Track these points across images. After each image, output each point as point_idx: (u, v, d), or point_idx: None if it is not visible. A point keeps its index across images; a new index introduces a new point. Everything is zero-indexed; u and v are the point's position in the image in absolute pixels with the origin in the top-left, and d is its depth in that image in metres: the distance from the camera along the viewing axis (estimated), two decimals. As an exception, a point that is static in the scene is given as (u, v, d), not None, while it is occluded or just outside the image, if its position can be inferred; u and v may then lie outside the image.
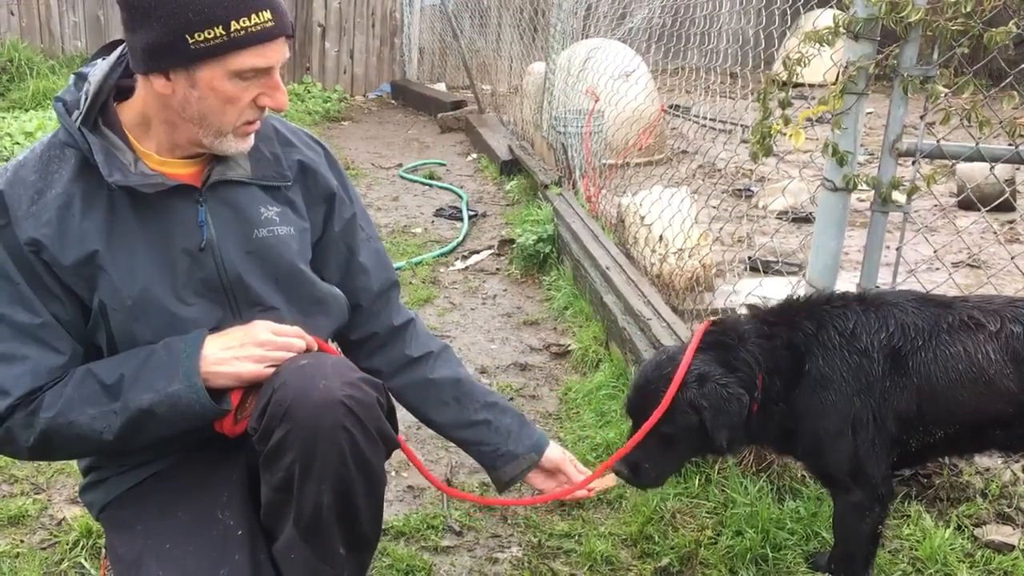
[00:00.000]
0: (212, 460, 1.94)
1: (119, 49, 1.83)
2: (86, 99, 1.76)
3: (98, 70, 1.80)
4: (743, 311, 2.39)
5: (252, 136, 1.85)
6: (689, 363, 2.18)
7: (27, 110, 8.10)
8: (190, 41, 1.66)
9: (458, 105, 9.60)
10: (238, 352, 1.78)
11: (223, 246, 1.86)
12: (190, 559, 1.78)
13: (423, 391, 2.19)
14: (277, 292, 1.93)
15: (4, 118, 7.65)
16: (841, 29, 2.60)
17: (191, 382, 1.74)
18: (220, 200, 1.87)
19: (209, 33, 1.65)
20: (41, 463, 3.03)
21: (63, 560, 2.56)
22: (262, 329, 1.82)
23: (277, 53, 1.74)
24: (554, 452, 2.26)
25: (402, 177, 7.35)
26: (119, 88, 1.82)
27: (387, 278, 2.21)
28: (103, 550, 2.57)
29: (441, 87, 10.85)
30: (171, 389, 1.74)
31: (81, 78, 1.82)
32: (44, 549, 2.62)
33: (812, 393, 2.21)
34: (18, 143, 7.07)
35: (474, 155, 8.10)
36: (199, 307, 1.85)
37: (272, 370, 1.79)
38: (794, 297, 2.40)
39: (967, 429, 2.20)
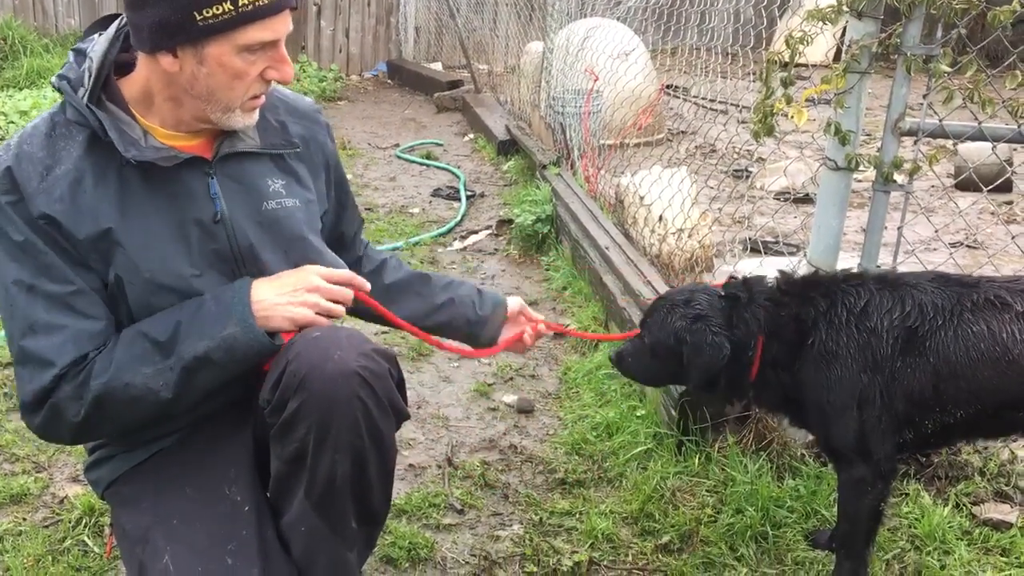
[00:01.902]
0: (219, 437, 1.94)
1: (116, 23, 1.82)
2: (89, 76, 1.75)
3: (98, 46, 1.78)
4: (775, 274, 2.43)
5: (258, 111, 1.85)
6: (697, 300, 2.33)
7: (21, 89, 8.05)
8: (198, 18, 1.65)
9: (455, 85, 9.56)
10: (292, 297, 1.79)
11: (234, 218, 1.86)
12: (198, 535, 1.79)
13: (387, 296, 2.24)
14: (286, 263, 1.93)
15: (-2, 97, 7.60)
16: (844, 7, 2.59)
17: (246, 323, 1.75)
18: (229, 172, 1.87)
19: (217, 9, 1.65)
20: (41, 441, 3.02)
21: (66, 538, 2.56)
22: (313, 275, 1.83)
23: (283, 25, 1.74)
24: (513, 302, 2.41)
25: (399, 157, 7.33)
26: (117, 63, 1.81)
27: (359, 221, 2.34)
28: (106, 528, 2.58)
29: (437, 66, 10.80)
30: (226, 333, 1.74)
31: (80, 54, 1.80)
32: (47, 527, 2.63)
33: (816, 367, 2.24)
34: (12, 122, 7.03)
35: (471, 135, 8.07)
36: (211, 278, 1.85)
37: (324, 320, 1.81)
38: (818, 272, 2.44)
39: (989, 410, 2.18)
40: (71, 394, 1.74)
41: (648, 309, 2.48)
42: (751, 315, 2.29)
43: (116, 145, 1.73)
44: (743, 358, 2.28)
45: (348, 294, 1.87)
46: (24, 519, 2.66)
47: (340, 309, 1.85)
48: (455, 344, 2.31)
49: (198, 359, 1.75)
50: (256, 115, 1.85)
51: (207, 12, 1.65)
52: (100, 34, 1.83)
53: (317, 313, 1.80)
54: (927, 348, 2.16)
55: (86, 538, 2.56)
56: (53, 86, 1.81)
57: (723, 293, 2.35)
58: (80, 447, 2.85)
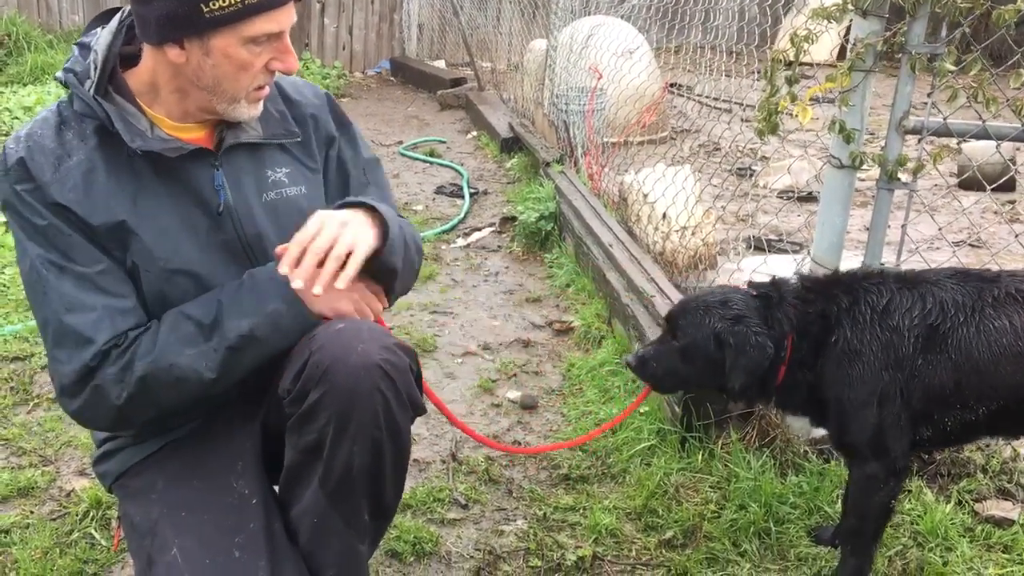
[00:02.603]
0: (226, 430, 1.95)
1: (118, 16, 1.84)
2: (95, 68, 1.76)
3: (102, 39, 1.80)
4: (793, 277, 2.43)
5: (263, 101, 1.87)
6: (734, 300, 2.29)
7: (25, 84, 8.07)
8: (205, 10, 1.67)
9: (458, 82, 9.57)
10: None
11: (240, 208, 1.88)
12: (205, 527, 1.80)
13: None
14: None
15: (3, 93, 7.62)
16: (849, 5, 2.60)
17: (290, 299, 1.78)
18: (234, 164, 1.89)
19: (224, 1, 1.66)
20: (48, 435, 3.05)
21: (73, 531, 2.58)
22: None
23: (288, 17, 1.76)
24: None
25: (402, 154, 7.34)
26: (121, 55, 1.82)
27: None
28: (113, 521, 2.60)
29: (440, 64, 10.81)
30: (271, 308, 1.77)
31: (85, 48, 1.82)
32: (54, 520, 2.64)
33: (839, 364, 2.24)
34: (17, 118, 7.05)
35: (474, 133, 8.08)
36: (222, 268, 1.86)
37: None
38: (838, 271, 2.44)
39: (1011, 406, 2.18)
40: (115, 376, 1.75)
41: (676, 311, 2.40)
42: (783, 314, 2.27)
43: (123, 136, 1.74)
44: (776, 359, 2.26)
45: (379, 305, 1.91)
46: (31, 512, 2.67)
47: (370, 314, 1.89)
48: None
49: (243, 337, 1.77)
50: (261, 105, 1.87)
51: (213, 5, 1.66)
52: (103, 28, 1.84)
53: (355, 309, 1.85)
54: (949, 345, 2.16)
55: (93, 531, 2.57)
56: (59, 81, 1.82)
57: (755, 293, 2.33)
58: (88, 440, 2.88)
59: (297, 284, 1.68)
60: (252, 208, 1.90)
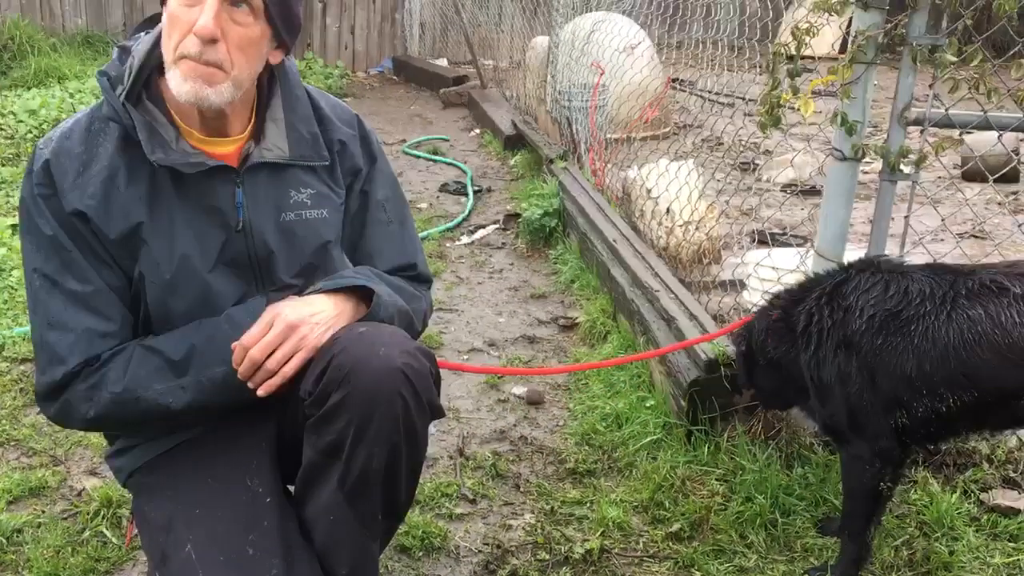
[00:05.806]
0: (241, 428, 1.96)
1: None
2: (130, 74, 1.77)
3: (142, 44, 1.81)
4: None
5: (196, 82, 1.72)
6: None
7: (29, 88, 8.08)
8: None
9: (460, 80, 9.58)
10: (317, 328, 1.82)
11: (256, 228, 1.88)
12: (219, 524, 1.81)
13: None
14: (299, 275, 1.95)
15: (7, 96, 7.64)
16: (850, -1, 2.60)
17: None
18: (256, 182, 1.88)
19: None
20: (58, 435, 3.07)
21: (84, 529, 2.60)
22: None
23: None
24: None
25: (406, 153, 7.35)
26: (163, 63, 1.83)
27: (398, 263, 2.14)
28: (124, 519, 2.62)
29: (443, 62, 10.82)
30: None
31: (125, 51, 1.83)
32: (65, 519, 2.66)
33: (804, 350, 2.36)
34: (21, 121, 7.07)
35: (477, 130, 8.09)
36: (226, 282, 1.88)
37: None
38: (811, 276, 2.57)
39: (990, 398, 2.17)
40: (83, 394, 1.80)
41: None
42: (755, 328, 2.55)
43: (144, 147, 1.75)
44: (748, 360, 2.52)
45: None
46: (43, 511, 2.69)
47: None
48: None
49: (214, 383, 1.80)
50: (192, 86, 1.72)
51: None
52: (147, 32, 1.85)
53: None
54: (912, 331, 2.19)
55: (105, 529, 2.59)
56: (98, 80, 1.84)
57: None
58: (98, 440, 2.90)
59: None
60: (268, 228, 1.90)
